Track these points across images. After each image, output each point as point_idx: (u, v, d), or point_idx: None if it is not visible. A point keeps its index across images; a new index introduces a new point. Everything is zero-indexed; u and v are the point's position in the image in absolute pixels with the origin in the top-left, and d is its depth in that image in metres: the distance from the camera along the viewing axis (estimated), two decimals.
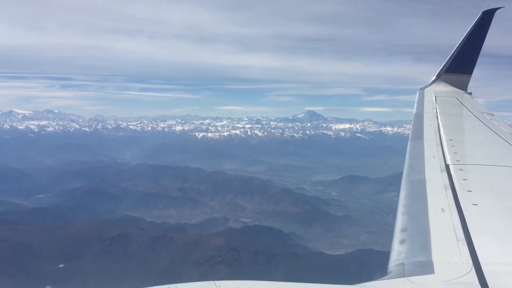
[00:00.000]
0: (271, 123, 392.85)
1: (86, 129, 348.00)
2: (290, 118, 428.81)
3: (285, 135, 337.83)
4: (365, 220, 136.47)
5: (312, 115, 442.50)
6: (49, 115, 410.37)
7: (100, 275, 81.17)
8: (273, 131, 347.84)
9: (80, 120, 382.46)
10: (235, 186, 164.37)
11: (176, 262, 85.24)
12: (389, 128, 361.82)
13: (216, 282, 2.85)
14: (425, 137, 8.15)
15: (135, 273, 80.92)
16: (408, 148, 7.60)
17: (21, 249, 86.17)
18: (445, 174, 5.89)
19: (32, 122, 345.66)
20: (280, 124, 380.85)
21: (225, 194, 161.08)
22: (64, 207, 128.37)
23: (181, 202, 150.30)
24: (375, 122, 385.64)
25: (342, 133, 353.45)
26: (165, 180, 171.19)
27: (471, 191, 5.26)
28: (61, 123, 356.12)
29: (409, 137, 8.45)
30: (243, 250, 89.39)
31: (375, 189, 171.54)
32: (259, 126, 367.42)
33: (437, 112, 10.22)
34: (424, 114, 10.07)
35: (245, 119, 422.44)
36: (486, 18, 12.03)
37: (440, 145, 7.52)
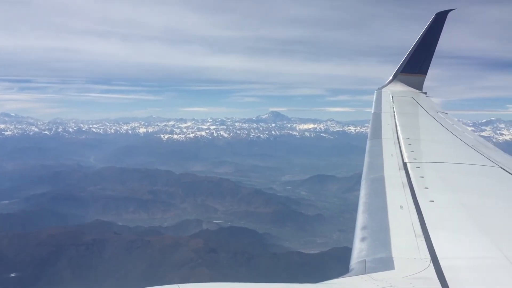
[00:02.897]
0: (236, 124, 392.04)
1: (47, 132, 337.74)
2: (254, 118, 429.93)
3: (251, 136, 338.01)
4: (336, 219, 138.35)
5: (276, 115, 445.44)
6: (6, 119, 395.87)
7: (78, 281, 79.42)
8: (239, 132, 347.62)
9: (39, 123, 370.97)
10: (205, 188, 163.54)
11: (155, 266, 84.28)
12: (352, 128, 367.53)
13: (181, 285, 2.84)
14: (383, 136, 8.27)
15: (114, 278, 79.62)
16: (367, 147, 7.69)
17: None
18: (403, 172, 6.02)
19: None
20: (245, 125, 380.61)
21: (196, 196, 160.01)
22: (31, 213, 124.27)
23: (152, 205, 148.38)
24: (338, 122, 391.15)
25: (307, 133, 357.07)
26: (133, 183, 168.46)
27: (427, 188, 5.39)
28: (19, 126, 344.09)
29: (368, 136, 8.56)
30: (222, 251, 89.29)
31: (343, 188, 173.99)
32: (224, 127, 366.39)
33: (394, 112, 10.42)
34: (382, 114, 10.26)
35: (209, 120, 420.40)
36: (439, 20, 12.34)
37: (397, 143, 7.66)
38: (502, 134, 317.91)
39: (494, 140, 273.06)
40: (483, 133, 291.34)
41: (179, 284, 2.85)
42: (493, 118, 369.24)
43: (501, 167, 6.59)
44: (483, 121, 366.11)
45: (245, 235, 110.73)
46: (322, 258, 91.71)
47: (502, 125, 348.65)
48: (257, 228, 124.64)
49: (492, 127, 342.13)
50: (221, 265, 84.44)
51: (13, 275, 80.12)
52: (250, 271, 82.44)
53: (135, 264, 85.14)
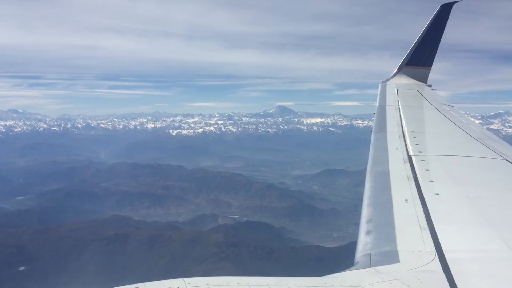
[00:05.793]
0: (243, 118, 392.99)
1: (56, 128, 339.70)
2: (261, 113, 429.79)
3: (260, 131, 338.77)
4: (350, 213, 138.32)
5: (283, 110, 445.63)
6: (14, 115, 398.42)
7: (102, 275, 80.00)
8: (247, 126, 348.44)
9: (47, 120, 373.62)
10: (218, 183, 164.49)
11: (177, 260, 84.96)
12: (360, 122, 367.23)
13: (186, 279, 2.89)
14: (388, 129, 8.27)
15: (137, 272, 79.98)
16: (372, 141, 7.71)
17: (17, 252, 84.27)
18: (408, 165, 6.04)
19: None
20: (252, 120, 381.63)
21: (209, 191, 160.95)
22: (49, 208, 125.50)
23: (166, 200, 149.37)
24: (345, 116, 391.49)
25: (315, 127, 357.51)
26: (146, 179, 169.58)
27: (433, 181, 5.42)
28: (28, 123, 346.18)
29: (373, 130, 8.60)
30: (242, 245, 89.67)
31: (354, 181, 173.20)
32: (232, 122, 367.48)
33: (399, 105, 10.41)
34: (387, 107, 10.25)
35: (217, 115, 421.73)
36: (444, 12, 12.26)
37: (402, 137, 7.65)
38: (511, 127, 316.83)
39: (503, 133, 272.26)
40: (492, 126, 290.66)
41: (184, 278, 2.88)
42: (501, 111, 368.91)
43: (507, 160, 6.69)
44: (491, 114, 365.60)
45: (263, 230, 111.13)
46: (342, 252, 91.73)
47: (511, 118, 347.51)
48: (273, 222, 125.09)
49: (500, 120, 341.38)
50: (242, 259, 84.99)
51: (36, 269, 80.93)
52: (271, 265, 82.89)
53: (158, 259, 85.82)
